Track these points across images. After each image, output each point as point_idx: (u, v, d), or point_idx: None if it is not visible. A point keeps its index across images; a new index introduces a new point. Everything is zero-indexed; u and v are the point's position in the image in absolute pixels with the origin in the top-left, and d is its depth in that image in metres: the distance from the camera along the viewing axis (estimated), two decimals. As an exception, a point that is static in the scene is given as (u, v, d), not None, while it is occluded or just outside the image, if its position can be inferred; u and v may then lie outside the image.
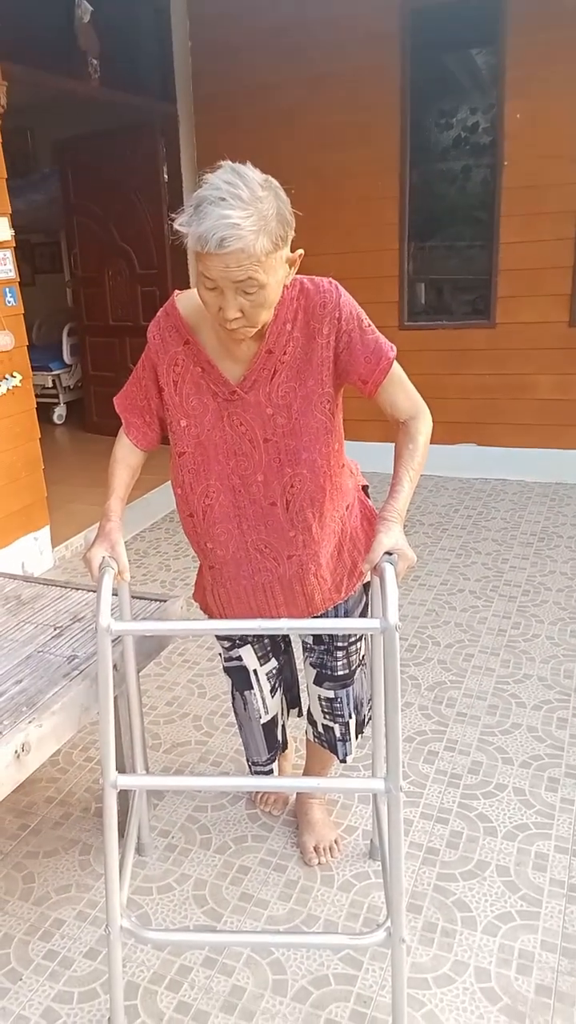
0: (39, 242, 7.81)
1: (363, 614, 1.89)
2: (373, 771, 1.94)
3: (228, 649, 1.97)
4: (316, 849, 2.07)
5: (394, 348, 1.61)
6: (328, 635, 1.88)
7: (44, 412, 5.85)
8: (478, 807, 2.23)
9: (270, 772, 2.11)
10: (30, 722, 1.65)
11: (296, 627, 1.60)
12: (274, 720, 2.05)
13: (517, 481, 4.96)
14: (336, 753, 2.02)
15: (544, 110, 4.43)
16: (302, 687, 2.21)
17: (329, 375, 1.60)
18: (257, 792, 2.28)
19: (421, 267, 5.20)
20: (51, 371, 6.99)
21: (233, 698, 2.05)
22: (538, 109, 4.44)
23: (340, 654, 1.89)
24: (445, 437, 4.69)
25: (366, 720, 2.00)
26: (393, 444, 1.62)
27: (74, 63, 4.56)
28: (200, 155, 5.39)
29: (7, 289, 3.62)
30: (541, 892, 1.94)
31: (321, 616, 1.81)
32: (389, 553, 1.43)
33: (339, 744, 2.00)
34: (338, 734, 1.99)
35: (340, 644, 1.88)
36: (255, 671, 1.97)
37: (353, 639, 1.89)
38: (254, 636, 1.95)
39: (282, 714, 2.11)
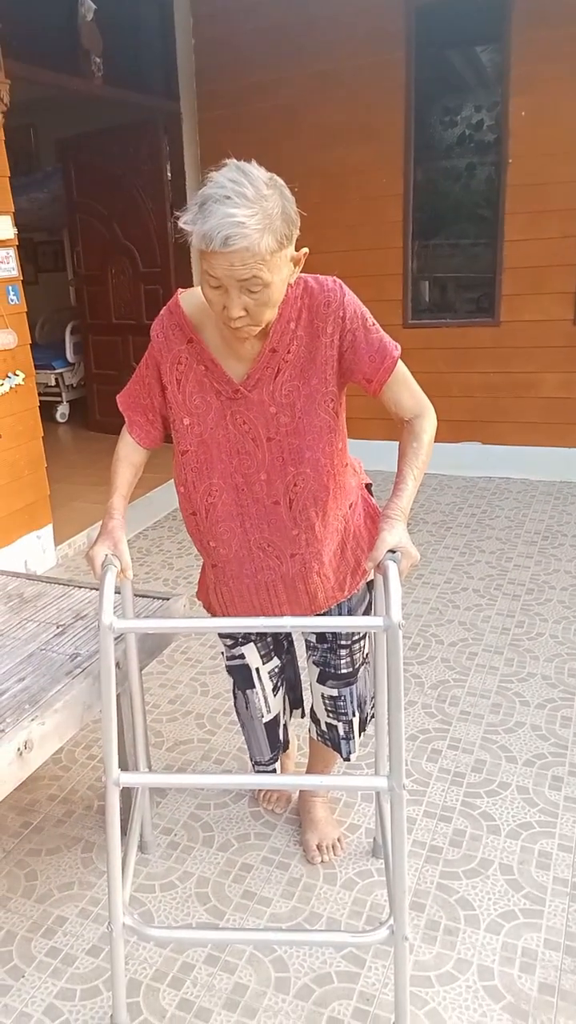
0: (42, 240, 7.81)
1: (366, 612, 1.89)
2: (376, 769, 1.94)
3: (230, 647, 1.97)
4: (319, 847, 2.07)
5: (398, 347, 1.60)
6: (331, 633, 1.88)
7: (47, 410, 5.87)
8: (481, 805, 2.22)
9: (273, 771, 2.11)
10: (32, 720, 1.65)
11: (299, 625, 1.59)
12: (276, 719, 2.05)
13: (521, 479, 4.96)
14: (340, 751, 2.02)
15: (549, 107, 4.42)
16: (305, 687, 2.21)
17: (333, 374, 1.59)
18: (260, 790, 2.28)
19: (425, 265, 5.19)
20: (54, 369, 7.00)
21: (235, 697, 2.05)
22: (543, 106, 4.43)
23: (343, 652, 1.89)
24: (449, 435, 4.68)
25: (369, 718, 2.00)
26: (397, 442, 1.61)
27: (77, 61, 4.56)
28: (203, 153, 5.38)
29: (10, 287, 3.62)
30: (544, 891, 1.94)
31: (324, 614, 1.81)
32: (392, 551, 1.43)
33: (342, 742, 2.00)
34: (341, 732, 1.99)
35: (343, 642, 1.88)
36: (257, 669, 1.97)
37: (356, 637, 1.89)
38: (256, 634, 1.95)
39: (284, 713, 2.11)
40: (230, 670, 2.01)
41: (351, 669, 1.91)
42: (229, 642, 1.97)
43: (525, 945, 1.79)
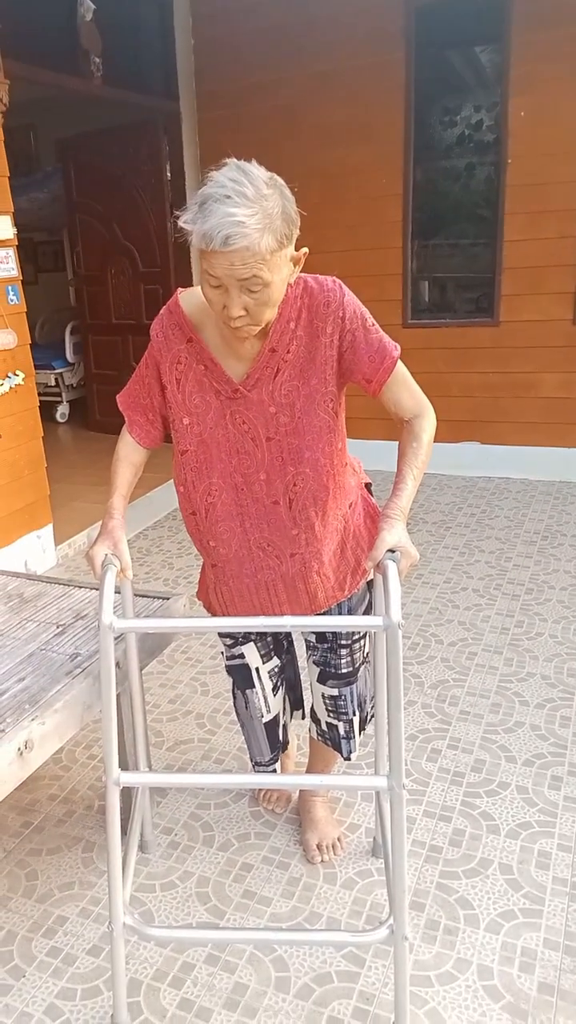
0: (42, 240, 7.81)
1: (366, 612, 1.89)
2: (376, 769, 1.94)
3: (230, 647, 1.97)
4: (319, 847, 2.07)
5: (398, 347, 1.60)
6: (331, 633, 1.88)
7: (47, 411, 5.87)
8: (481, 805, 2.23)
9: (273, 772, 2.11)
10: (33, 720, 1.65)
11: (299, 624, 1.60)
12: (276, 719, 2.05)
13: (521, 479, 4.96)
14: (340, 751, 2.02)
15: (548, 107, 4.42)
16: (304, 686, 2.21)
17: (332, 374, 1.60)
18: (260, 790, 2.29)
19: (425, 265, 5.19)
20: (54, 369, 7.00)
21: (234, 697, 2.05)
22: (542, 106, 4.43)
23: (344, 652, 1.89)
24: (448, 435, 4.69)
25: (369, 717, 2.00)
26: (396, 442, 1.62)
27: (77, 61, 4.56)
28: (203, 153, 5.38)
29: (10, 287, 3.62)
30: (544, 890, 1.94)
31: (324, 614, 1.81)
32: (392, 551, 1.43)
33: (343, 742, 2.00)
34: (342, 732, 1.99)
35: (344, 642, 1.88)
36: (257, 669, 1.97)
37: (356, 636, 1.89)
38: (256, 634, 1.95)
39: (284, 713, 2.11)
40: (230, 670, 2.01)
41: (351, 668, 1.91)
42: (229, 641, 1.98)
43: (525, 945, 1.80)
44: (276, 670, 2.01)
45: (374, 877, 2.01)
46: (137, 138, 5.44)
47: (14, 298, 3.65)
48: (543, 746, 2.45)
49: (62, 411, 7.11)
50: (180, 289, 1.68)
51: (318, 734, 2.05)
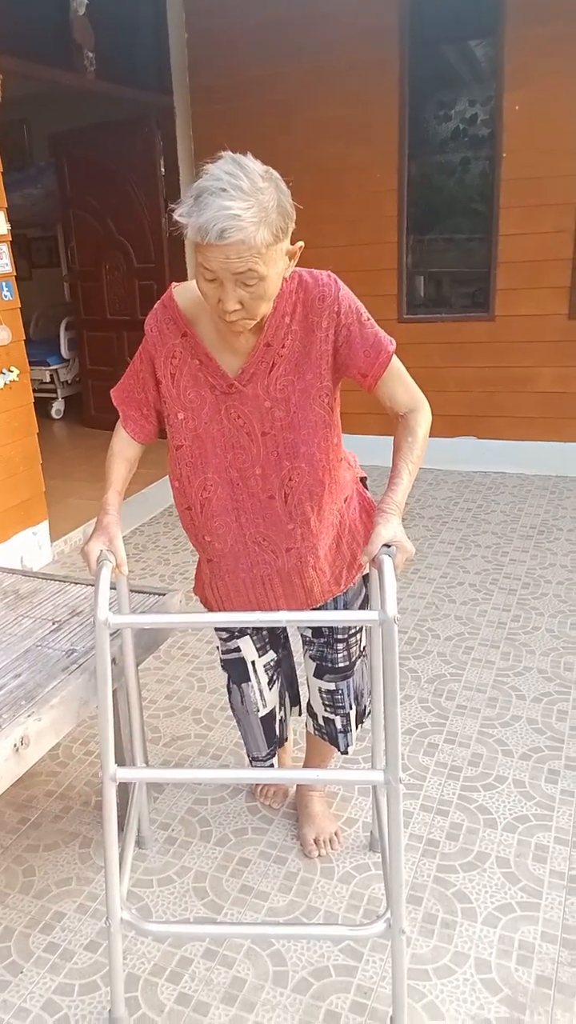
0: (36, 236, 7.78)
1: (362, 606, 1.89)
2: (373, 763, 1.95)
3: (226, 640, 1.97)
4: (316, 841, 2.07)
5: (393, 342, 1.60)
6: (328, 627, 1.88)
7: (42, 407, 5.84)
8: (478, 799, 2.23)
9: (270, 767, 2.11)
10: (29, 716, 1.65)
11: (295, 619, 1.60)
12: (272, 714, 2.05)
13: (517, 474, 4.96)
14: (337, 745, 2.02)
15: (543, 102, 4.41)
16: (301, 681, 2.21)
17: (328, 369, 1.59)
18: (257, 785, 2.29)
19: (420, 260, 5.19)
20: (49, 366, 6.98)
21: (230, 692, 2.05)
22: (537, 101, 4.42)
23: (340, 646, 1.89)
24: (444, 430, 4.69)
25: (366, 711, 2.00)
26: (392, 437, 1.61)
27: (70, 55, 4.54)
28: (197, 148, 5.37)
29: (4, 283, 3.61)
30: (541, 883, 1.94)
31: (320, 608, 1.81)
32: (388, 545, 1.43)
33: (340, 736, 2.00)
34: (339, 726, 1.99)
35: (340, 636, 1.88)
36: (253, 663, 1.97)
37: (353, 631, 1.89)
38: (252, 628, 1.95)
39: (280, 708, 2.11)
40: (225, 665, 2.01)
41: (348, 663, 1.91)
42: (224, 635, 1.97)
43: (522, 938, 1.80)
44: (272, 664, 2.01)
45: (371, 871, 2.01)
46: (131, 133, 5.42)
47: (8, 294, 3.64)
48: (540, 740, 2.46)
49: (57, 407, 7.09)
50: (174, 283, 1.67)
51: (315, 728, 2.05)
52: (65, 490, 4.68)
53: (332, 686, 1.94)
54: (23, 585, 2.32)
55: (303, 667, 2.04)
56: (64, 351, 7.04)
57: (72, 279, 6.49)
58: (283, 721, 2.15)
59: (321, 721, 2.01)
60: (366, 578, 1.87)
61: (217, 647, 2.04)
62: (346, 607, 1.85)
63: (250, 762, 2.13)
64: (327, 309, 1.56)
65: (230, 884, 2.00)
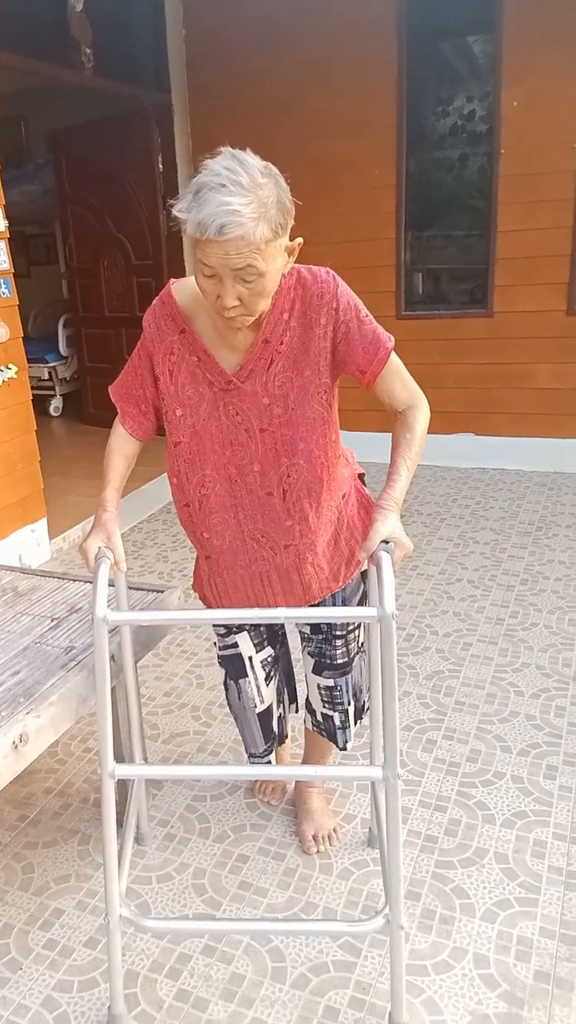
0: (34, 233, 7.78)
1: (361, 602, 1.89)
2: (371, 759, 1.95)
3: (223, 636, 1.97)
4: (315, 837, 2.07)
5: (392, 339, 1.60)
6: (326, 624, 1.88)
7: (40, 404, 5.83)
8: (476, 795, 2.23)
9: (268, 763, 2.11)
10: (28, 713, 1.65)
11: (293, 615, 1.60)
12: (269, 710, 2.05)
13: (515, 470, 4.96)
14: (336, 742, 2.03)
15: (541, 97, 4.40)
16: (299, 679, 2.21)
17: (326, 365, 1.59)
18: (256, 781, 2.29)
19: (418, 256, 5.18)
20: (47, 363, 6.98)
21: (227, 688, 2.04)
22: (535, 96, 4.41)
23: (339, 642, 1.89)
24: (443, 427, 4.69)
25: (365, 707, 2.01)
26: (390, 434, 1.61)
27: (67, 52, 4.53)
28: (195, 144, 5.36)
29: (2, 280, 3.60)
30: (539, 879, 1.95)
31: (318, 605, 1.81)
32: (386, 541, 1.43)
33: (339, 732, 2.01)
34: (337, 722, 1.99)
35: (339, 632, 1.88)
36: (250, 658, 1.97)
37: (351, 627, 1.89)
38: (250, 624, 1.94)
39: (279, 706, 2.11)
40: (222, 660, 2.01)
41: (347, 659, 1.91)
42: (222, 631, 1.97)
43: (520, 933, 1.80)
44: (269, 659, 2.01)
45: (370, 867, 2.02)
46: (129, 129, 5.41)
47: (6, 291, 3.64)
48: (538, 736, 2.46)
49: (56, 405, 7.09)
50: (173, 279, 1.67)
51: (313, 725, 2.05)
52: (63, 487, 4.68)
53: (331, 682, 1.94)
54: (22, 582, 2.32)
55: (301, 664, 2.04)
56: (62, 348, 7.04)
57: (70, 276, 6.48)
58: (281, 718, 2.15)
59: (320, 717, 2.02)
60: (364, 574, 1.87)
61: (214, 643, 2.04)
62: (344, 603, 1.85)
63: (248, 759, 2.13)
64: (326, 306, 1.55)
65: (229, 880, 2.00)
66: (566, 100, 4.36)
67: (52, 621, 2.06)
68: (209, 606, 1.91)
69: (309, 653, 1.95)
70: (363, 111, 4.83)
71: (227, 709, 2.26)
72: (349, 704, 1.96)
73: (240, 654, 1.96)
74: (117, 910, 1.52)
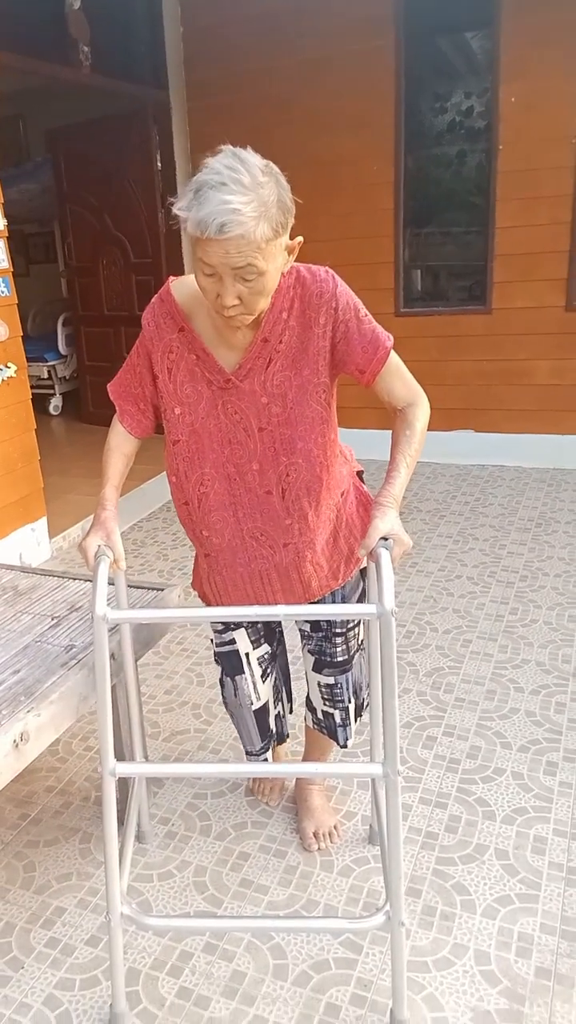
0: (32, 232, 7.77)
1: (360, 600, 1.89)
2: (371, 756, 1.95)
3: (221, 632, 1.97)
4: (316, 835, 2.07)
5: (391, 337, 1.60)
6: (326, 621, 1.88)
7: (40, 403, 5.83)
8: (477, 791, 2.23)
9: (265, 761, 2.11)
10: (28, 711, 1.65)
11: (292, 613, 1.60)
12: (265, 707, 2.05)
13: (514, 467, 4.96)
14: (336, 739, 2.03)
15: (539, 93, 4.40)
16: (297, 677, 2.21)
17: (325, 365, 1.59)
18: (253, 781, 2.29)
19: (417, 253, 5.18)
20: (46, 362, 6.97)
21: (223, 686, 2.03)
22: (533, 92, 4.41)
23: (339, 640, 1.89)
24: (442, 423, 4.69)
25: (365, 704, 2.01)
26: (390, 431, 1.61)
27: (65, 50, 4.52)
28: (193, 142, 5.35)
29: (1, 279, 3.60)
30: (540, 875, 1.95)
31: (318, 602, 1.82)
32: (385, 539, 1.43)
33: (339, 730, 2.01)
34: (338, 720, 1.99)
35: (338, 630, 1.88)
36: (247, 655, 1.96)
37: (351, 625, 1.89)
38: (248, 621, 1.94)
39: (276, 704, 2.11)
40: (219, 657, 2.01)
41: (347, 657, 1.91)
42: (220, 627, 1.97)
43: (521, 930, 1.81)
44: (266, 657, 2.00)
45: (370, 864, 2.02)
46: (127, 128, 5.40)
47: (5, 290, 3.64)
48: (538, 732, 2.46)
49: (55, 403, 7.09)
50: (172, 277, 1.67)
51: (314, 723, 2.05)
52: (63, 486, 4.68)
53: (331, 680, 1.94)
54: (22, 581, 2.32)
55: (301, 662, 2.04)
56: (62, 347, 7.04)
57: (69, 275, 6.47)
58: (279, 717, 2.15)
59: (320, 715, 2.02)
60: (364, 572, 1.87)
61: (211, 639, 2.04)
62: (344, 601, 1.85)
63: (247, 756, 2.13)
64: (325, 305, 1.55)
65: (230, 878, 2.00)
66: (564, 96, 4.35)
67: (52, 620, 2.06)
68: (209, 604, 1.91)
69: (309, 651, 1.95)
70: (361, 108, 4.82)
71: (227, 707, 2.26)
72: (349, 701, 1.97)
73: (237, 650, 1.96)
74: (118, 908, 1.53)
